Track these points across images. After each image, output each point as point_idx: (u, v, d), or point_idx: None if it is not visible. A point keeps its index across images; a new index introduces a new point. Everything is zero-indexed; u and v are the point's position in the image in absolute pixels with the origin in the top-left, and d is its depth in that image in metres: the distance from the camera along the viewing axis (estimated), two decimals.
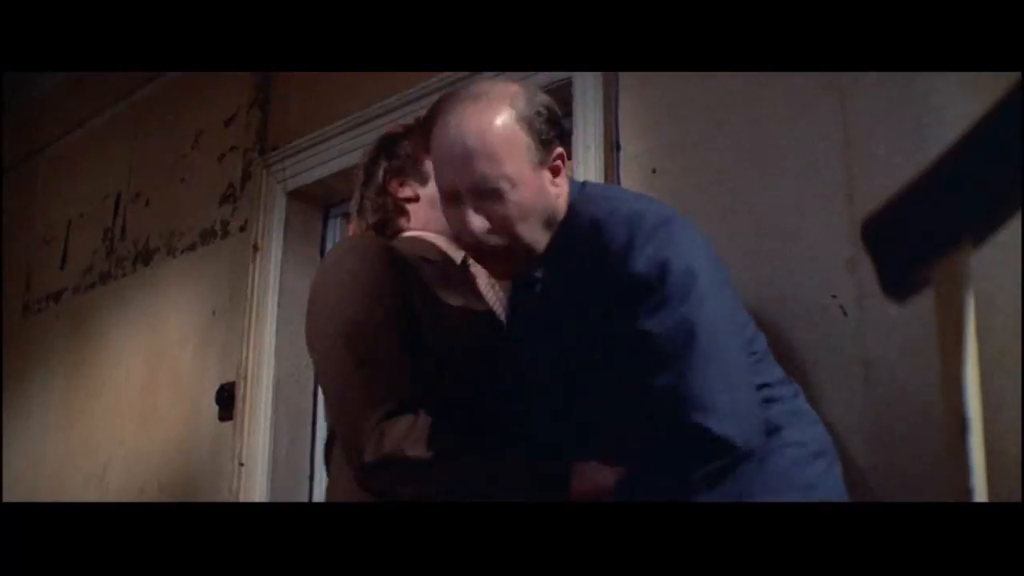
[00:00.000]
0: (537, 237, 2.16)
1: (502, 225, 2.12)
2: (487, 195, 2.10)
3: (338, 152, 4.27)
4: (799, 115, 2.70)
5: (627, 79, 3.22)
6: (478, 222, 2.11)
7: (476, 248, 2.17)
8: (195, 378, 4.83)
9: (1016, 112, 0.95)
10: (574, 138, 3.26)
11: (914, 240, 0.91)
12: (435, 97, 3.65)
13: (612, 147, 3.16)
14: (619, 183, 3.10)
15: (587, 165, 3.19)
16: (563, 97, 3.34)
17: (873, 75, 2.56)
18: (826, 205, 2.47)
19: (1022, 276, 1.99)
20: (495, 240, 2.13)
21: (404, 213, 2.60)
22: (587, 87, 3.24)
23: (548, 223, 2.17)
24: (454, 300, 2.41)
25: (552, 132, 2.19)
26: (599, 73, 3.24)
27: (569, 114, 3.30)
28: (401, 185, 2.60)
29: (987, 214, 0.93)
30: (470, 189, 2.10)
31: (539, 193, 2.14)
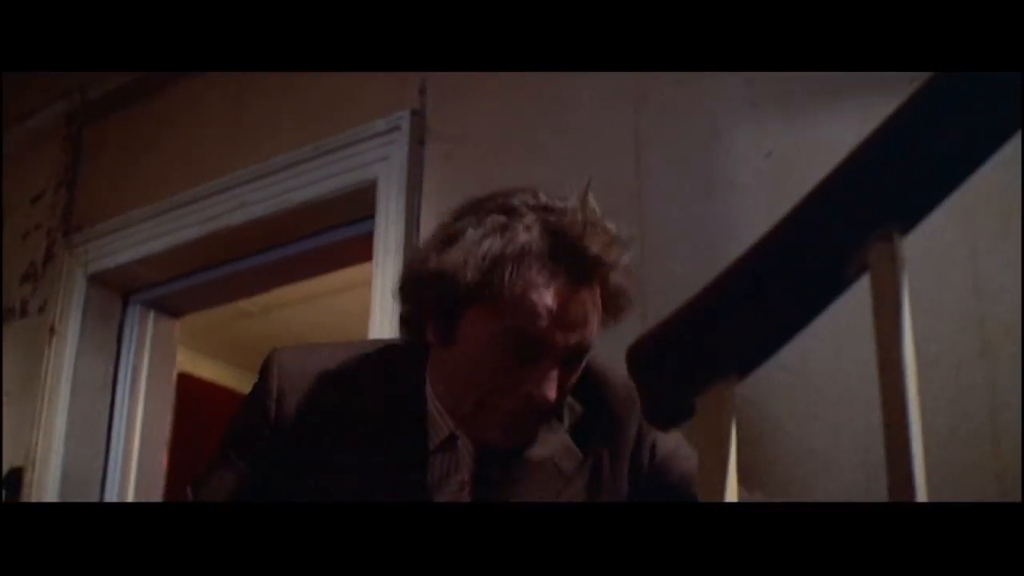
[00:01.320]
0: None
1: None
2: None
3: (143, 238, 4.18)
4: None
5: (430, 182, 3.27)
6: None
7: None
8: None
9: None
10: (375, 241, 3.29)
11: (680, 368, 0.94)
12: (242, 188, 3.69)
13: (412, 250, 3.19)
14: None
15: (386, 269, 3.21)
16: (366, 200, 3.37)
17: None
18: None
19: (1022, 275, 2.06)
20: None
21: None
22: (390, 190, 3.27)
23: None
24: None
25: None
26: (403, 176, 3.27)
27: (371, 217, 3.33)
28: None
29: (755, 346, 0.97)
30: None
31: None
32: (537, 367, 1.81)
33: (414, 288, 1.94)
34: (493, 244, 1.81)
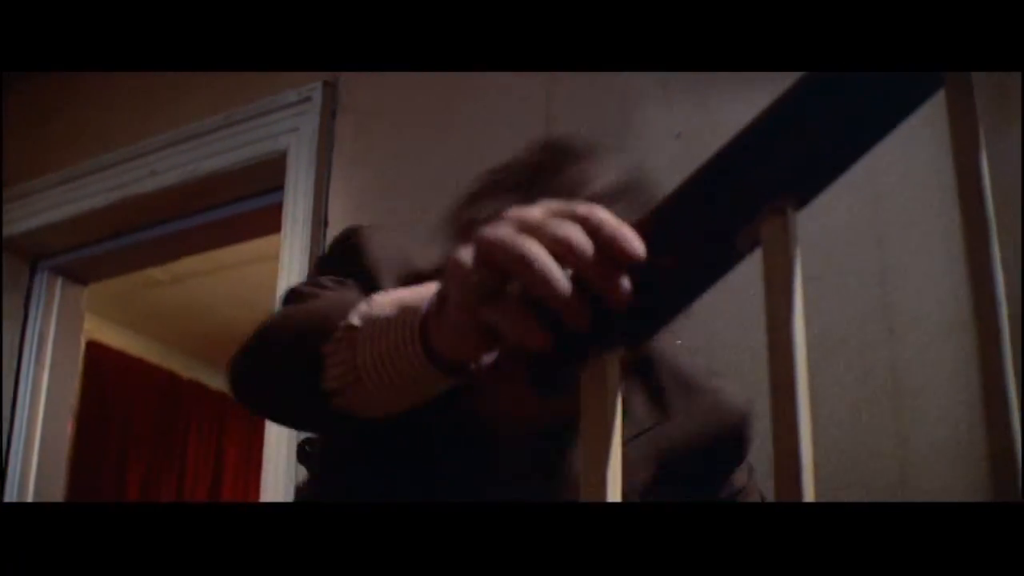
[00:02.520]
0: None
1: None
2: None
3: (51, 204, 4.11)
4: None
5: (340, 156, 3.25)
6: None
7: None
8: None
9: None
10: (283, 213, 3.26)
11: (566, 338, 0.93)
12: (152, 156, 3.64)
13: (321, 223, 3.16)
14: None
15: (294, 241, 3.18)
16: (276, 171, 3.34)
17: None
18: None
19: (1022, 275, 2.06)
20: None
21: None
22: (300, 162, 3.24)
23: None
24: None
25: None
26: (313, 148, 3.24)
27: (282, 188, 3.30)
28: None
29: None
30: None
31: None
32: None
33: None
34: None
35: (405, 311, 1.18)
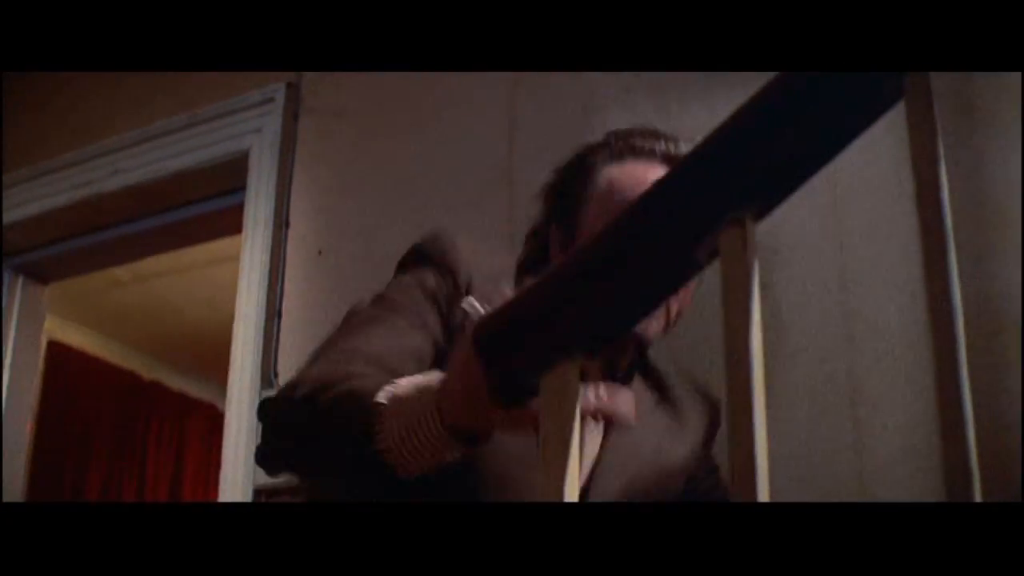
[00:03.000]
0: None
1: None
2: None
3: (13, 202, 4.06)
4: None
5: (303, 156, 3.24)
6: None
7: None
8: None
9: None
10: (245, 213, 3.25)
11: (527, 346, 0.94)
12: (116, 155, 3.63)
13: (282, 224, 3.15)
14: (285, 262, 3.10)
15: (255, 241, 3.18)
16: (239, 171, 3.33)
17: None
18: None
19: (1022, 275, 2.06)
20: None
21: None
22: (262, 162, 3.24)
23: None
24: None
25: None
26: (275, 149, 3.24)
27: (243, 188, 3.29)
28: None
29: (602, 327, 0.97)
30: None
31: None
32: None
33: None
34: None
35: (422, 391, 1.34)
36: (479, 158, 2.82)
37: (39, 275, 4.38)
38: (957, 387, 0.82)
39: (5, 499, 3.96)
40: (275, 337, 3.07)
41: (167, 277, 6.27)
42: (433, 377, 1.35)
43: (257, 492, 2.83)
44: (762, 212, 0.92)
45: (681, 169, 0.93)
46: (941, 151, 0.88)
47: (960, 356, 0.83)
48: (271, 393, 2.01)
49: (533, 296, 0.98)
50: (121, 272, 6.12)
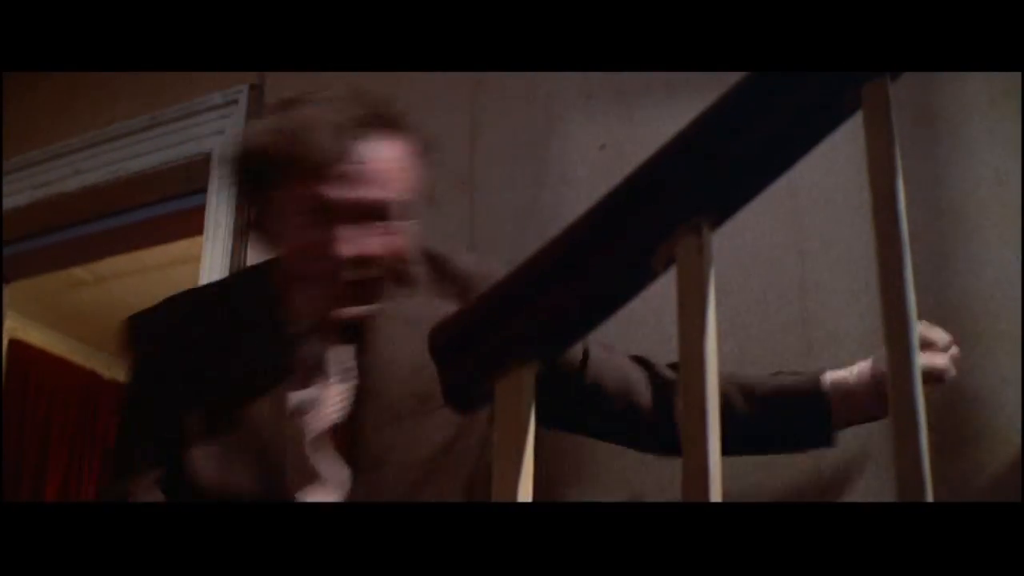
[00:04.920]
0: None
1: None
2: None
3: None
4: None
5: None
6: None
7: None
8: None
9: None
10: (206, 215, 3.24)
11: (481, 352, 0.94)
12: (76, 155, 3.61)
13: (243, 226, 3.14)
14: (245, 263, 3.09)
15: (216, 243, 3.17)
16: (200, 173, 3.32)
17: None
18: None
19: (1022, 275, 2.06)
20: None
21: None
22: (224, 163, 3.22)
23: None
24: None
25: None
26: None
27: (204, 190, 3.28)
28: None
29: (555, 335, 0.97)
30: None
31: None
32: (345, 225, 1.90)
33: (233, 172, 2.05)
34: (284, 121, 1.92)
35: None
36: (440, 163, 2.82)
37: (2, 274, 4.35)
38: (911, 394, 0.83)
39: None
40: None
41: (128, 277, 6.24)
42: None
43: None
44: (719, 220, 0.92)
45: (637, 176, 0.93)
46: (899, 161, 0.88)
47: (915, 363, 0.83)
48: None
49: (486, 302, 0.98)
50: (82, 272, 6.10)
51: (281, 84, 3.25)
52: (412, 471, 1.96)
